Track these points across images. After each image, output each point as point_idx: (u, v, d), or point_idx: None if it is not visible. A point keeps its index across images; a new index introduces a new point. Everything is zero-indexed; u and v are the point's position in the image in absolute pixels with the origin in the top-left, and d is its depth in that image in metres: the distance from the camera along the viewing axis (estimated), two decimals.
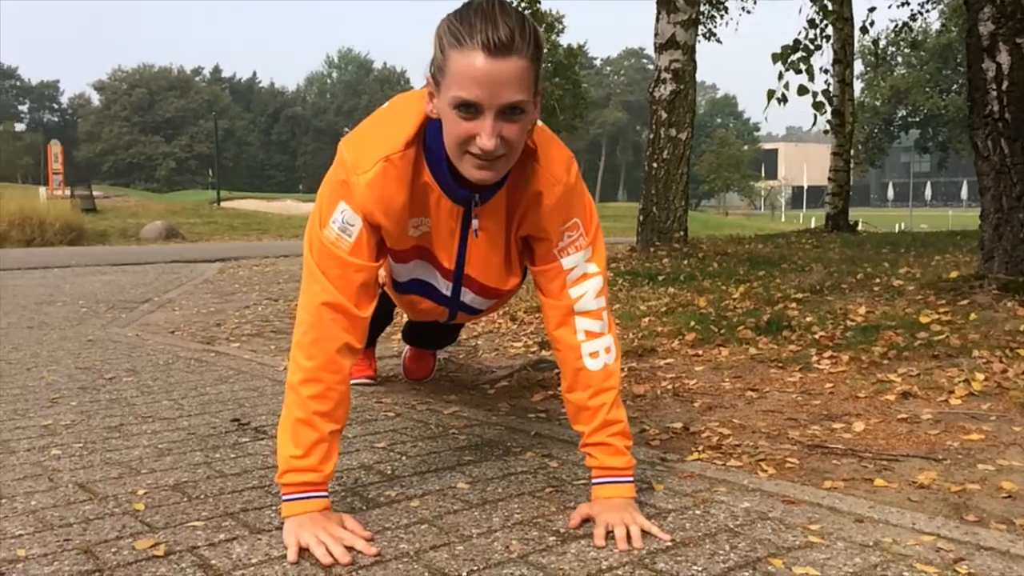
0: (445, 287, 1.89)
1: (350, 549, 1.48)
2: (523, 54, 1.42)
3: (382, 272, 2.05)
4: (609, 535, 1.54)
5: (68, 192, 23.55)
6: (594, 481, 1.69)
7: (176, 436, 2.31)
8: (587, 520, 1.61)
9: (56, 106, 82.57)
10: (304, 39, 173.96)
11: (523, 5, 12.34)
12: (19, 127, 77.86)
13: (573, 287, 1.71)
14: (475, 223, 1.69)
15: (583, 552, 1.49)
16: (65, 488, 1.86)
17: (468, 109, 1.43)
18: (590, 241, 1.72)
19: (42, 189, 24.36)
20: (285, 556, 1.47)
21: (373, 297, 1.66)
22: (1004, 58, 3.99)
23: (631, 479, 1.68)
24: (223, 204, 28.99)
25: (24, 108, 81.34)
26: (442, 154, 1.58)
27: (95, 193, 24.23)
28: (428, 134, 1.60)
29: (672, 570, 1.41)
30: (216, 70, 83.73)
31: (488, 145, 1.44)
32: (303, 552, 1.48)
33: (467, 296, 1.92)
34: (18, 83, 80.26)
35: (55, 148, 27.30)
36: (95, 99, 75.82)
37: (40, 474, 1.97)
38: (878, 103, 45.59)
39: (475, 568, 1.42)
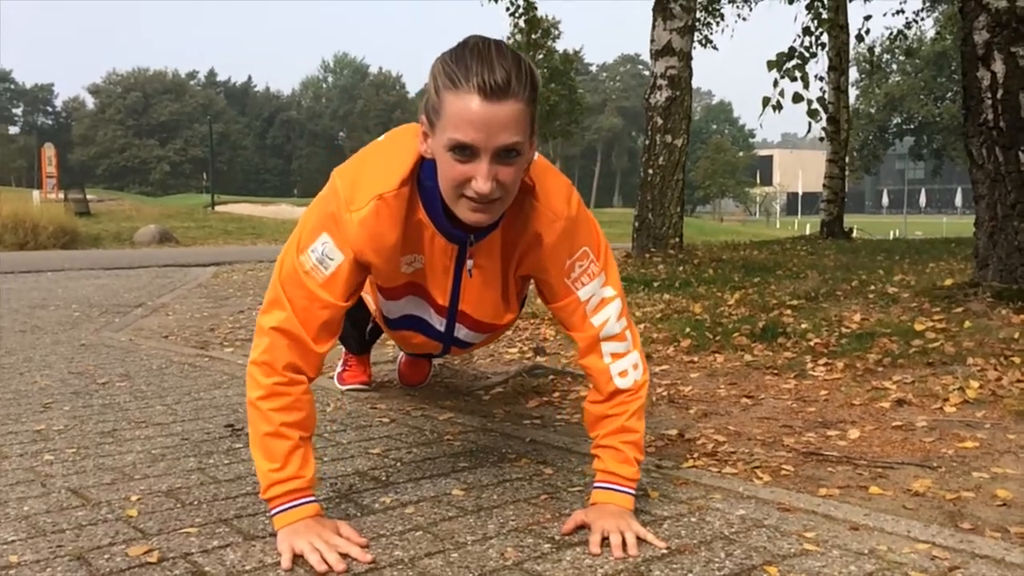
0: (439, 323, 1.86)
1: (345, 556, 1.48)
2: (519, 96, 1.40)
3: (371, 301, 2.03)
4: (604, 542, 1.54)
5: (62, 195, 23.49)
6: (595, 484, 1.69)
7: (170, 441, 2.30)
8: (581, 527, 1.61)
9: (50, 109, 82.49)
10: (300, 43, 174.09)
11: (520, 11, 12.37)
12: (13, 130, 77.82)
13: (594, 315, 1.69)
14: (469, 262, 1.68)
15: (578, 559, 1.49)
16: (58, 494, 1.85)
17: (463, 152, 1.41)
18: (602, 266, 1.70)
19: (36, 192, 24.31)
20: (279, 563, 1.47)
21: (334, 334, 1.63)
22: (999, 67, 4.00)
23: (632, 491, 1.67)
24: (217, 208, 28.96)
25: (18, 111, 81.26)
26: (437, 192, 1.55)
27: (89, 196, 24.16)
28: (422, 171, 1.58)
29: None
30: (211, 74, 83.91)
31: (484, 189, 1.42)
32: (297, 559, 1.48)
33: (461, 332, 1.89)
34: (12, 86, 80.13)
35: (49, 151, 27.28)
36: (89, 102, 75.77)
37: (33, 479, 1.96)
38: (873, 110, 45.79)
39: (470, 575, 1.42)
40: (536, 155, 1.61)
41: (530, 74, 1.42)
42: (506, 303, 1.81)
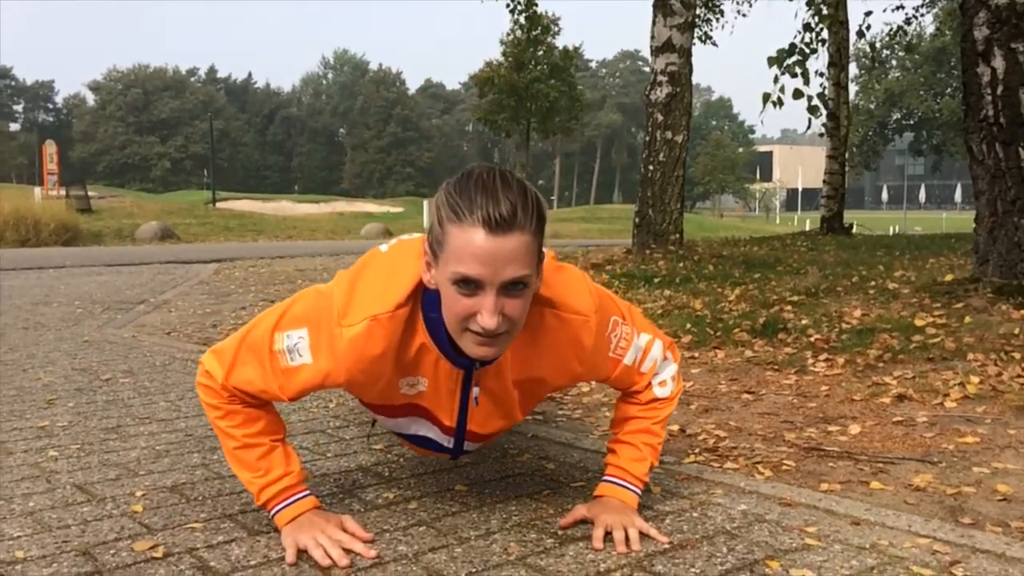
0: (446, 440, 1.77)
1: (348, 551, 1.49)
2: (525, 229, 1.35)
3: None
4: (607, 537, 1.55)
5: (63, 192, 23.48)
6: (604, 477, 1.69)
7: (173, 437, 2.31)
8: (583, 521, 1.62)
9: (51, 106, 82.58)
10: (300, 40, 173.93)
11: (520, 8, 12.36)
12: (14, 127, 77.80)
13: (643, 365, 1.70)
14: (475, 391, 1.60)
15: (581, 554, 1.50)
16: (63, 489, 1.86)
17: (468, 285, 1.35)
18: (632, 324, 1.68)
19: (37, 189, 24.34)
20: (284, 558, 1.48)
21: (262, 407, 1.62)
22: (999, 63, 4.00)
23: (639, 492, 1.68)
24: (218, 205, 28.99)
25: (19, 108, 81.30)
26: (441, 323, 1.48)
27: (90, 193, 24.18)
28: (426, 301, 1.50)
29: (670, 572, 1.42)
30: (211, 70, 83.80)
31: (490, 324, 1.36)
32: (302, 554, 1.49)
33: (471, 446, 1.82)
34: (13, 83, 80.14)
35: (50, 148, 27.25)
36: (90, 99, 75.74)
37: (38, 475, 1.97)
38: (873, 106, 45.75)
39: (473, 570, 1.43)
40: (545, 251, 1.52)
41: (536, 204, 1.38)
42: (522, 409, 1.73)
